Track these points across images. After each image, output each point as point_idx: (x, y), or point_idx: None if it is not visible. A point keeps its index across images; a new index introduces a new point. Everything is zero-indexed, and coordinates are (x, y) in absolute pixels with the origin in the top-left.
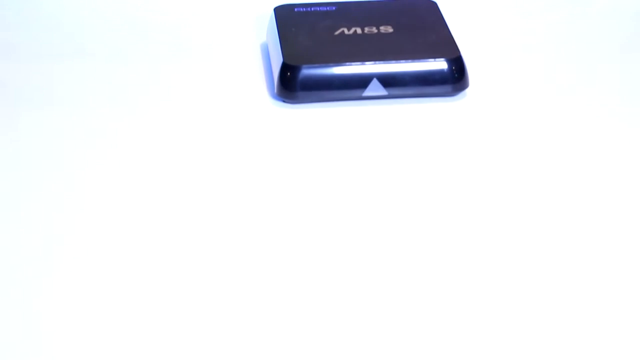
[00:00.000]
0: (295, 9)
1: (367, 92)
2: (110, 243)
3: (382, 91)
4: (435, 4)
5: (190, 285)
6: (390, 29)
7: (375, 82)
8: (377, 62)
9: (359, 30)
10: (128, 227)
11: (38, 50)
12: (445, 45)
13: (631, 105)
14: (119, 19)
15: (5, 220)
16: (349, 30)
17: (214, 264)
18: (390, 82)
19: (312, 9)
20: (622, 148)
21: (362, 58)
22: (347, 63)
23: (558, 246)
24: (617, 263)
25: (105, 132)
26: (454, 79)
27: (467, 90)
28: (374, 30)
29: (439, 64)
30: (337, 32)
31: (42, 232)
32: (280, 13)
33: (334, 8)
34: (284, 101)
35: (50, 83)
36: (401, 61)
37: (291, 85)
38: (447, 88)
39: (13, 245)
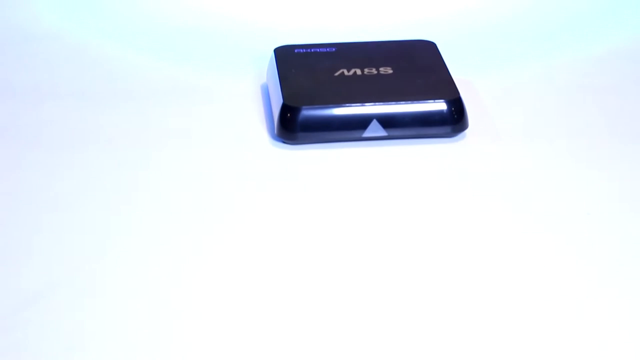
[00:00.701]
0: (295, 50)
1: (367, 133)
2: (110, 284)
3: (382, 132)
4: (434, 45)
5: (191, 326)
6: (389, 70)
7: (375, 123)
8: (376, 103)
9: (358, 72)
10: (130, 265)
11: (38, 91)
12: (444, 86)
13: (630, 146)
14: (118, 62)
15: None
16: (348, 71)
17: (213, 301)
18: (390, 123)
19: (312, 50)
20: (621, 188)
21: (362, 99)
22: (347, 104)
23: (554, 286)
24: (611, 315)
25: (104, 174)
26: (454, 120)
27: (466, 131)
28: (374, 71)
29: (439, 105)
30: (337, 73)
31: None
32: (281, 54)
33: (333, 49)
34: (284, 142)
35: (48, 124)
36: (401, 102)
37: (291, 126)
38: (447, 129)
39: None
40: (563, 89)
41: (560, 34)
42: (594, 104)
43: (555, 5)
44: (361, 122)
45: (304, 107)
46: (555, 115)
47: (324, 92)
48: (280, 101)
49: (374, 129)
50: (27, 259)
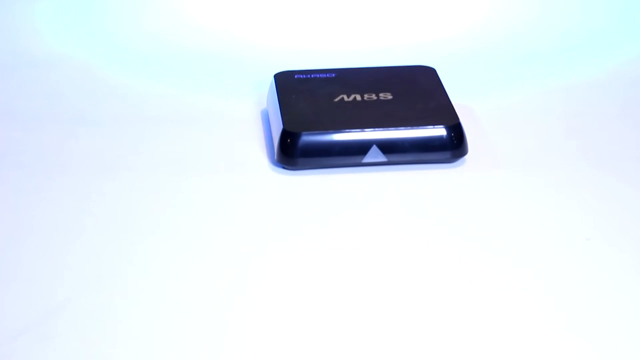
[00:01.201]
0: (295, 76)
1: (367, 159)
2: (110, 310)
3: (382, 158)
4: (433, 71)
5: (191, 344)
6: (389, 96)
7: (374, 149)
8: (376, 129)
9: (358, 97)
10: (130, 292)
11: (39, 115)
12: (444, 112)
13: (631, 173)
14: (118, 86)
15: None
16: (348, 97)
17: (214, 325)
18: (390, 148)
19: (312, 75)
20: (621, 214)
21: (362, 125)
22: (347, 130)
23: (553, 315)
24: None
25: (104, 199)
26: (453, 145)
27: (466, 157)
28: (374, 97)
29: (438, 131)
30: (336, 99)
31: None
32: (281, 80)
33: (333, 75)
34: (284, 167)
35: (48, 149)
36: (400, 128)
37: (291, 152)
38: (446, 155)
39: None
40: (562, 113)
41: (559, 58)
42: (592, 129)
43: (553, 30)
44: (361, 148)
45: (304, 132)
46: (554, 140)
47: (324, 118)
48: (281, 127)
49: (374, 155)
50: (23, 284)
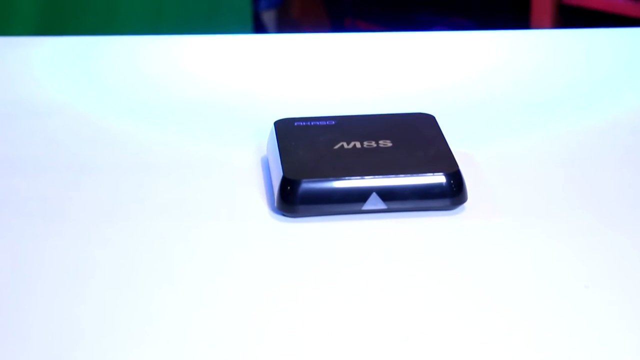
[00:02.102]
0: (295, 123)
1: (367, 206)
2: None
3: (382, 205)
4: (433, 118)
5: None
6: (389, 143)
7: (374, 196)
8: (376, 176)
9: (358, 145)
10: (136, 342)
11: (39, 163)
12: (443, 159)
13: (631, 222)
14: (117, 134)
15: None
16: (348, 144)
17: None
18: (389, 196)
19: (312, 123)
20: (621, 261)
21: (362, 172)
22: (347, 177)
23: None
24: None
25: (104, 248)
26: (453, 193)
27: (465, 204)
28: (373, 144)
29: (438, 178)
30: (336, 146)
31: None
32: (281, 127)
33: (333, 122)
34: (283, 215)
35: (48, 198)
36: (400, 175)
37: (291, 199)
38: (446, 202)
39: None
40: (562, 161)
41: (559, 107)
42: (593, 177)
43: (553, 77)
44: (361, 195)
45: (304, 180)
46: (554, 188)
47: (324, 165)
48: (281, 174)
49: (374, 202)
50: (23, 333)
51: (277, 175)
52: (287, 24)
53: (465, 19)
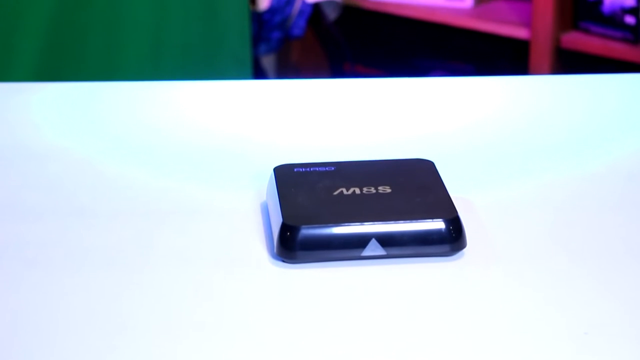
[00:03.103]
0: (295, 169)
1: (366, 252)
2: None
3: (381, 251)
4: (432, 164)
5: None
6: (388, 189)
7: (373, 242)
8: (375, 222)
9: (357, 191)
10: None
11: (39, 209)
12: (442, 205)
13: (630, 268)
14: (118, 179)
15: None
16: (347, 190)
17: None
18: (389, 242)
19: (312, 169)
20: (621, 308)
21: (361, 218)
22: (346, 223)
23: None
24: None
25: (104, 295)
26: (452, 239)
27: (464, 250)
28: (372, 190)
29: (437, 224)
30: (335, 192)
31: None
32: (280, 173)
33: (332, 168)
34: (283, 261)
35: (48, 244)
36: (399, 221)
37: (291, 245)
38: (445, 248)
39: None
40: (561, 207)
41: (557, 151)
42: (592, 222)
43: (551, 123)
44: (360, 241)
45: (303, 226)
46: (553, 234)
47: (324, 211)
48: (280, 220)
49: (373, 248)
50: None
51: (276, 221)
52: (287, 69)
53: (464, 63)
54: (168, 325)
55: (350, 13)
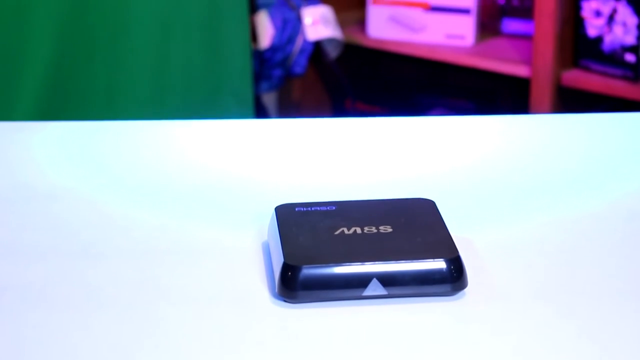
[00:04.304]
0: (296, 209)
1: (367, 292)
2: None
3: (382, 291)
4: (433, 204)
5: None
6: (389, 229)
7: (375, 282)
8: (376, 262)
9: (358, 230)
10: None
11: (41, 249)
12: (443, 245)
13: (631, 307)
14: (119, 219)
15: None
16: (348, 229)
17: None
18: (390, 282)
19: (313, 208)
20: (622, 348)
21: (362, 258)
22: (347, 263)
23: None
24: None
25: (105, 334)
26: (453, 278)
27: (465, 290)
28: (373, 229)
29: (438, 264)
30: (337, 232)
31: None
32: (281, 212)
33: (333, 208)
34: (284, 300)
35: (49, 284)
36: (400, 261)
37: (292, 285)
38: (446, 288)
39: None
40: (561, 246)
41: (558, 190)
42: (592, 262)
43: (552, 162)
44: (361, 281)
45: (304, 266)
46: (553, 273)
47: (325, 251)
48: (281, 260)
49: (374, 288)
50: None
51: (277, 260)
52: (288, 106)
53: (465, 100)
54: None
55: (351, 51)
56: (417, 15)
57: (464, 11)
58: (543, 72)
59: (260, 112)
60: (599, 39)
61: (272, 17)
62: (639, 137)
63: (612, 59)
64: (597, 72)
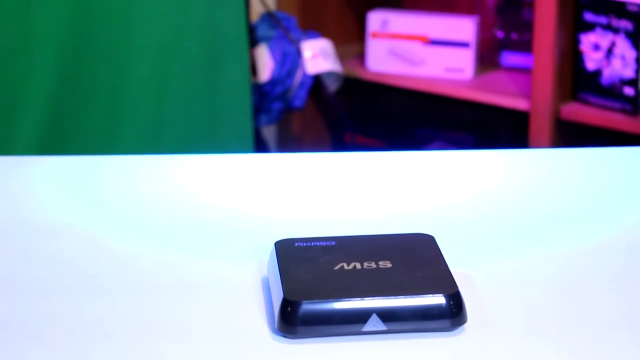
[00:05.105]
0: (296, 244)
1: (367, 327)
2: None
3: (382, 326)
4: (432, 238)
5: None
6: (388, 264)
7: (374, 318)
8: (376, 297)
9: (358, 265)
10: None
11: (41, 284)
12: (443, 280)
13: (631, 339)
14: (120, 254)
15: None
16: (348, 265)
17: None
18: (389, 317)
19: (312, 243)
20: None
21: (362, 293)
22: (347, 299)
23: None
24: None
25: None
26: (452, 314)
27: (465, 325)
28: (373, 265)
29: (437, 300)
30: (336, 267)
31: None
32: (281, 248)
33: (333, 243)
34: (284, 336)
35: (50, 319)
36: (400, 297)
37: (292, 320)
38: (446, 323)
39: None
40: (561, 280)
41: (557, 225)
42: (591, 296)
43: (551, 196)
44: (361, 317)
45: (304, 301)
46: (553, 308)
47: (324, 287)
48: (281, 295)
49: (374, 323)
50: None
51: (277, 296)
52: (288, 139)
53: (464, 134)
54: None
55: (350, 84)
56: (416, 48)
57: (463, 45)
58: (542, 105)
59: (260, 145)
60: (597, 73)
61: (272, 51)
62: (637, 171)
63: (611, 93)
64: (596, 106)
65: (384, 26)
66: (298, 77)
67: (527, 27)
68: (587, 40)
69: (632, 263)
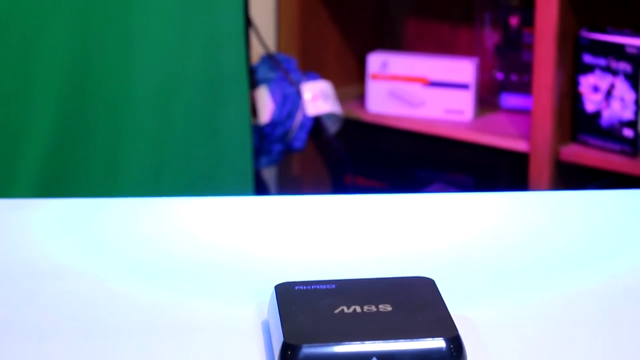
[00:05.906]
0: (296, 287)
1: None
2: None
3: None
4: (432, 282)
5: None
6: (389, 308)
7: None
8: (376, 341)
9: (358, 309)
10: None
11: (42, 327)
12: (443, 323)
13: None
14: (123, 297)
15: None
16: (348, 308)
17: None
18: None
19: (313, 287)
20: None
21: (362, 337)
22: (347, 342)
23: None
24: None
25: None
26: (452, 357)
27: None
28: (373, 308)
29: (437, 343)
30: (337, 311)
31: None
32: (281, 291)
33: (333, 286)
34: None
35: None
36: (400, 340)
37: None
38: None
39: None
40: (560, 323)
41: (556, 267)
42: (591, 339)
43: (550, 239)
44: None
45: (304, 345)
46: (553, 351)
47: (325, 330)
48: (281, 339)
49: None
50: None
51: (277, 339)
52: (288, 181)
53: (464, 175)
54: None
55: (350, 126)
56: (416, 90)
57: (463, 86)
58: (542, 147)
59: (260, 186)
60: (597, 114)
61: (272, 93)
62: (637, 214)
63: (610, 134)
64: (595, 147)
65: (384, 68)
66: (298, 119)
67: (526, 68)
68: (587, 82)
69: (630, 305)
